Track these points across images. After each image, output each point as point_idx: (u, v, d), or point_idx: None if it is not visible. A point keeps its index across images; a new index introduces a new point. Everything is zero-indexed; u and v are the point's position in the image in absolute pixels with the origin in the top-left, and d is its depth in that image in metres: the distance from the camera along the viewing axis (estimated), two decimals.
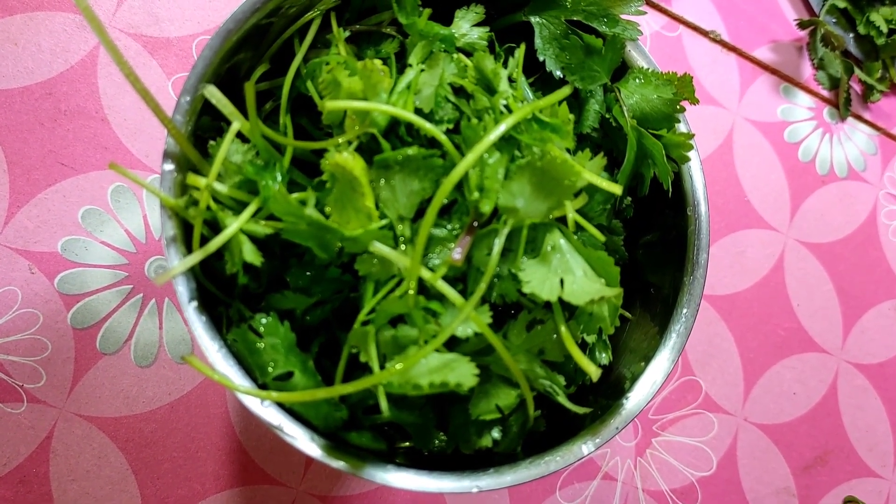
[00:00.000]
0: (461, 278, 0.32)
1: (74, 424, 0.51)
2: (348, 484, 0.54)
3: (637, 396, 0.37)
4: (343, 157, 0.29)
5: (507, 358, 0.31)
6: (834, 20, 0.75)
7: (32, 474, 0.50)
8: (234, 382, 0.31)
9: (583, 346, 0.38)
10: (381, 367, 0.30)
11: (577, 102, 0.39)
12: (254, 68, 0.37)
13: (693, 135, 0.39)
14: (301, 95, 0.37)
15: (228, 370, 0.31)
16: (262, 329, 0.32)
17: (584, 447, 0.35)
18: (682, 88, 0.38)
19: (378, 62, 0.32)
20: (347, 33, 0.36)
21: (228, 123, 0.32)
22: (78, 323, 0.52)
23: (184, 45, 0.57)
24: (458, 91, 0.34)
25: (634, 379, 0.38)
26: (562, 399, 0.35)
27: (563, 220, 0.33)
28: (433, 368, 0.30)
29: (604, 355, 0.41)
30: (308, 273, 0.34)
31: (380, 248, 0.30)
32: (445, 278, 0.31)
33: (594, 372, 0.31)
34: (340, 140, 0.32)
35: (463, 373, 0.29)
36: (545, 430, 0.38)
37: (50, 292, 0.52)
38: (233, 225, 0.30)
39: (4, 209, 0.52)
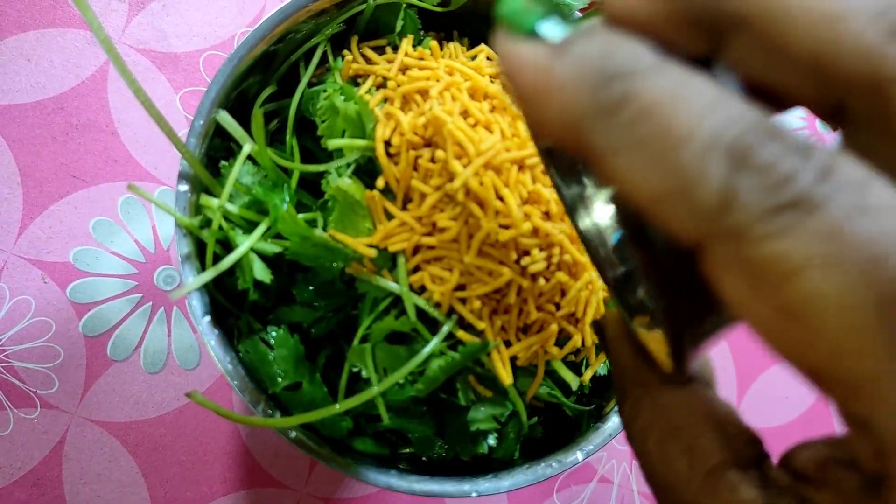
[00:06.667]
0: None
1: (86, 429, 0.52)
2: (351, 487, 0.56)
3: None
4: (344, 182, 0.30)
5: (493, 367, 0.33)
6: None
7: (45, 478, 0.51)
8: (242, 416, 0.32)
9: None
10: (381, 379, 0.32)
11: None
12: (262, 90, 0.38)
13: None
14: (305, 117, 0.38)
15: (240, 379, 0.33)
16: (273, 341, 0.34)
17: (580, 453, 0.36)
18: None
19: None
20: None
21: (238, 145, 0.34)
22: (89, 331, 0.53)
23: (191, 60, 0.58)
24: None
25: None
26: (561, 399, 0.37)
27: None
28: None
29: (601, 365, 0.42)
30: (312, 287, 0.35)
31: (363, 273, 0.32)
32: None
33: (573, 380, 0.34)
34: (339, 163, 0.33)
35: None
36: (542, 436, 0.40)
37: (62, 301, 0.53)
38: (244, 244, 0.31)
39: (18, 220, 0.54)
